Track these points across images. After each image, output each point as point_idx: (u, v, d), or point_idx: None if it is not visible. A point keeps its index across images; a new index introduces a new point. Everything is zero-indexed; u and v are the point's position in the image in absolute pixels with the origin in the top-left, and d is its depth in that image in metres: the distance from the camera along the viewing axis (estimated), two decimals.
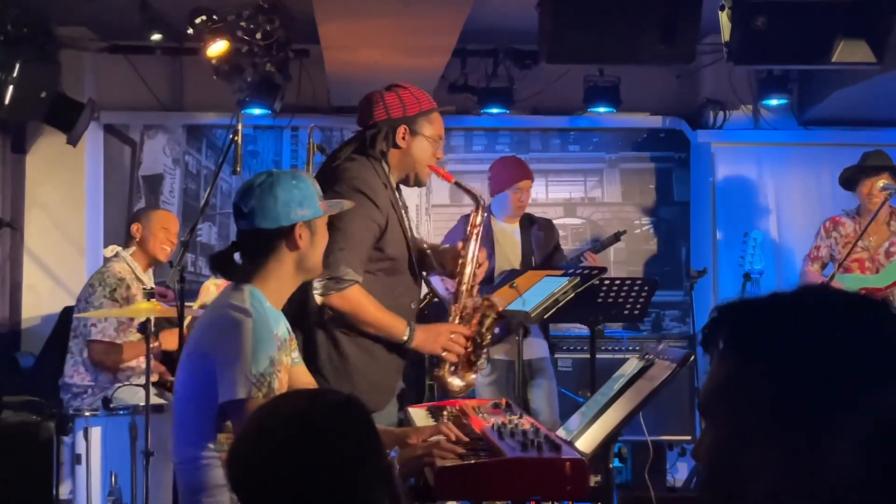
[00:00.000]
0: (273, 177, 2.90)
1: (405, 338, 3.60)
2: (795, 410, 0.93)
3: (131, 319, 4.99)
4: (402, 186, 3.84)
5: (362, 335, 3.60)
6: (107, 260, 5.32)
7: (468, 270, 3.77)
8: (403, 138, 3.67)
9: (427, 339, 3.65)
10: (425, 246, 3.91)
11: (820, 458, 0.89)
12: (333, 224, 3.37)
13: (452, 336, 3.66)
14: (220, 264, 2.93)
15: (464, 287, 3.77)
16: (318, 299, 3.51)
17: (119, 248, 5.28)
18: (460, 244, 3.83)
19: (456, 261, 3.82)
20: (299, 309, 3.46)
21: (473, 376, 3.77)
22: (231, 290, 2.88)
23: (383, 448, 1.86)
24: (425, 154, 3.73)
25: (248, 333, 2.70)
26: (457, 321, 3.73)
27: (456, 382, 3.74)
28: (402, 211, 3.74)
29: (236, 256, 2.95)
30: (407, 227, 3.75)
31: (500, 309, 3.80)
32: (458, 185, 3.93)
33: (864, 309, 0.99)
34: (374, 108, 3.68)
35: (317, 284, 3.49)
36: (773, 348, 0.97)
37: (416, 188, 3.97)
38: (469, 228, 3.83)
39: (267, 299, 2.84)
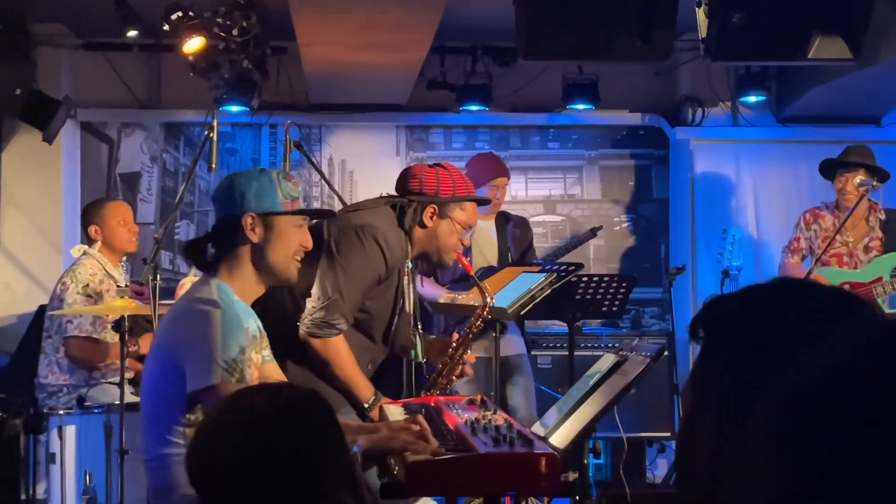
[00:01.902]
0: (247, 171, 2.98)
1: (367, 405, 3.51)
2: (723, 394, 0.95)
3: (106, 316, 4.96)
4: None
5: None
6: (76, 259, 5.29)
7: (450, 370, 3.76)
8: (431, 218, 3.64)
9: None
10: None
11: (737, 441, 0.91)
12: (339, 263, 3.40)
13: (405, 437, 3.51)
14: (192, 252, 2.96)
15: (441, 380, 3.77)
16: (302, 332, 3.49)
17: (86, 247, 5.25)
18: (455, 336, 3.82)
19: (441, 354, 3.81)
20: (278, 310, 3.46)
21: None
22: (198, 285, 2.89)
23: (345, 443, 1.84)
24: (449, 239, 3.68)
25: (216, 322, 2.70)
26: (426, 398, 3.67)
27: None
28: (407, 286, 3.70)
29: (210, 247, 2.97)
30: (403, 302, 3.70)
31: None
32: (474, 279, 3.90)
33: (826, 300, 0.99)
34: (411, 180, 3.67)
35: (306, 320, 3.48)
36: (721, 335, 1.01)
37: None
38: (468, 328, 3.81)
39: (235, 293, 2.83)
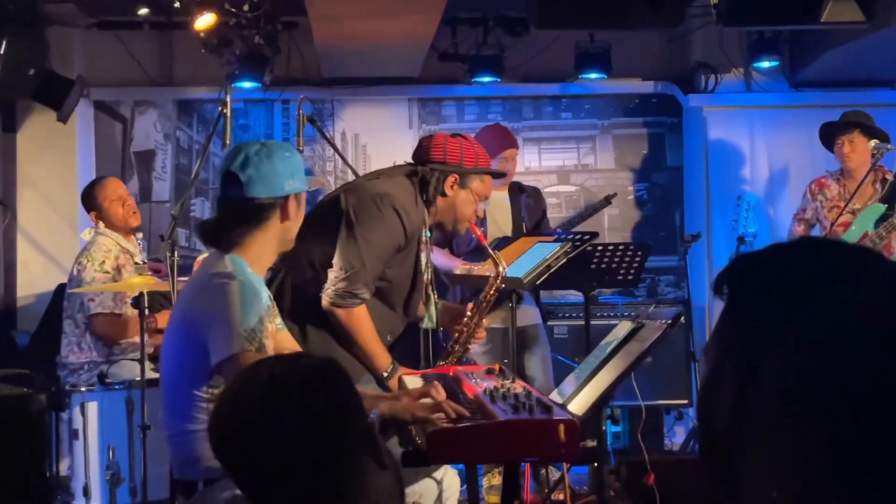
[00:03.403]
0: (268, 147, 2.92)
1: (385, 374, 3.56)
2: (745, 348, 0.96)
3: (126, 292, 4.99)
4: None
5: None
6: (89, 240, 5.31)
7: (466, 339, 3.80)
8: (452, 187, 3.66)
9: (396, 402, 3.46)
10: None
11: (757, 395, 0.92)
12: (359, 233, 3.42)
13: (422, 405, 3.53)
14: (207, 231, 2.95)
15: (458, 347, 3.80)
16: (324, 302, 3.51)
17: (94, 229, 5.28)
18: (470, 306, 3.84)
19: (457, 321, 3.85)
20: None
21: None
22: (212, 260, 2.89)
23: (363, 409, 1.86)
24: (467, 209, 3.72)
25: (234, 294, 2.72)
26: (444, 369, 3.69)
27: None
28: (425, 253, 3.72)
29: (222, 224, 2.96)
30: (422, 268, 3.72)
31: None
32: (487, 249, 3.92)
33: (840, 256, 1.00)
34: (434, 149, 3.68)
35: (328, 291, 3.50)
36: (745, 291, 1.02)
37: None
38: (483, 297, 3.83)
39: (249, 266, 2.85)
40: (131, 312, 5.03)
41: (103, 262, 5.07)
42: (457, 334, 3.83)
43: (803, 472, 0.87)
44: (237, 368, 2.56)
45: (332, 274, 3.50)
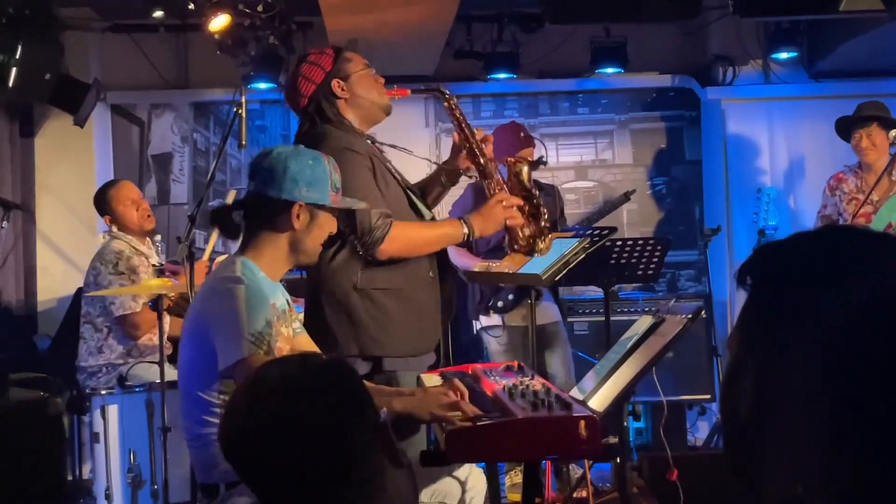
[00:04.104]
0: (296, 150, 2.91)
1: (466, 233, 3.53)
2: (769, 334, 0.95)
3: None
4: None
5: (393, 288, 3.52)
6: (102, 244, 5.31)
7: (476, 147, 3.70)
8: (342, 89, 3.58)
9: (485, 220, 3.56)
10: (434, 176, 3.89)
11: (781, 380, 0.90)
12: (346, 191, 3.35)
13: (504, 204, 3.57)
14: (219, 218, 2.94)
15: (483, 160, 3.70)
16: (370, 254, 3.41)
17: (108, 232, 5.27)
18: (455, 135, 3.78)
19: (460, 152, 3.78)
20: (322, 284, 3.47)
21: (547, 239, 3.67)
22: (224, 265, 2.90)
23: (375, 406, 1.84)
24: (369, 85, 3.64)
25: (240, 298, 2.71)
26: (497, 188, 3.66)
27: (540, 245, 3.67)
28: (389, 164, 3.67)
29: (237, 216, 2.95)
30: (400, 178, 3.66)
31: (526, 164, 3.72)
32: (415, 91, 3.86)
33: (867, 242, 0.98)
34: (300, 87, 3.59)
35: (364, 242, 3.40)
36: (769, 279, 1.00)
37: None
38: (450, 117, 3.77)
39: (261, 270, 2.83)
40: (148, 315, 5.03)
41: (116, 263, 5.06)
42: (469, 152, 3.73)
43: (828, 464, 0.85)
44: (247, 372, 2.56)
45: (356, 233, 3.40)
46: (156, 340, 4.70)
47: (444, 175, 3.88)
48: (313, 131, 3.54)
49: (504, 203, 3.57)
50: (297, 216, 2.86)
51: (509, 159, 3.74)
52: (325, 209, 2.93)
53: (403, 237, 3.46)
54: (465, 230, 3.53)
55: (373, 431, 1.79)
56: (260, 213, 2.90)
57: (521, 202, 3.62)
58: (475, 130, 3.74)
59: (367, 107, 3.65)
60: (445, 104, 3.78)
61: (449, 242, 3.61)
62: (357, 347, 3.45)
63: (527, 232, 3.64)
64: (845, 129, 5.94)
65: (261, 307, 2.72)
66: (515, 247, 3.66)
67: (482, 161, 3.70)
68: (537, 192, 3.72)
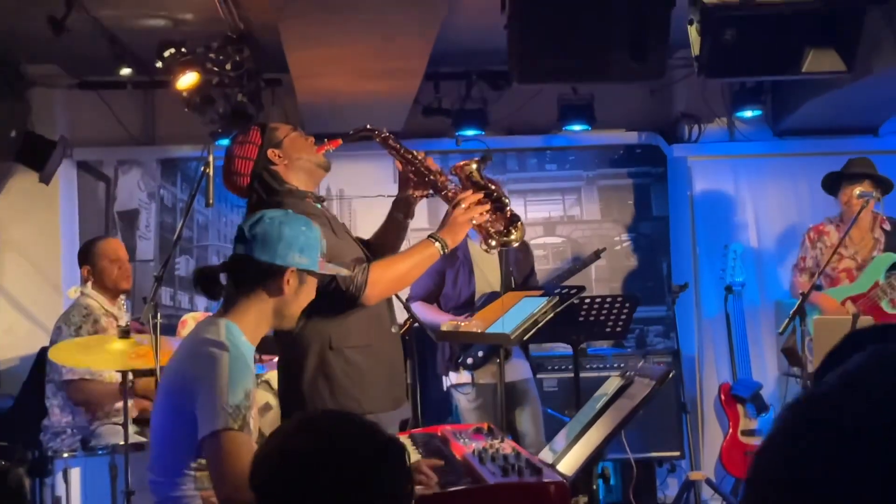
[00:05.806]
0: (288, 216, 2.90)
1: (439, 247, 3.54)
2: None
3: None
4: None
5: (362, 345, 3.54)
6: (72, 301, 5.26)
7: (422, 166, 3.74)
8: (279, 156, 3.63)
9: (452, 229, 3.57)
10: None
11: None
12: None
13: (464, 206, 3.58)
14: (203, 279, 2.90)
15: (432, 176, 3.73)
16: (359, 299, 3.43)
17: (81, 288, 5.23)
18: (398, 164, 3.82)
19: (408, 181, 3.81)
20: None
21: (519, 225, 3.66)
22: (207, 325, 2.84)
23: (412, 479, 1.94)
24: (301, 146, 3.69)
25: (224, 367, 2.67)
26: (453, 195, 3.67)
27: (514, 235, 3.65)
28: (335, 219, 3.73)
29: (222, 278, 2.92)
30: (347, 227, 3.73)
31: (474, 163, 3.72)
32: (345, 140, 3.86)
33: None
34: (238, 168, 3.63)
35: (349, 290, 3.41)
36: None
37: None
38: (386, 149, 3.82)
39: (244, 333, 2.80)
40: (111, 378, 4.96)
41: (80, 327, 5.00)
42: (416, 174, 3.76)
43: None
44: (217, 446, 2.53)
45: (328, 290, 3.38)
46: (119, 404, 4.63)
47: (400, 210, 3.89)
48: (264, 206, 3.56)
49: (463, 205, 3.59)
50: (288, 281, 2.85)
51: (456, 165, 3.76)
52: (313, 274, 2.92)
53: (384, 277, 3.48)
54: (438, 245, 3.55)
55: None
56: (248, 276, 2.87)
57: (479, 197, 3.63)
58: (415, 153, 3.78)
59: (307, 167, 3.70)
60: (378, 140, 3.82)
61: (428, 264, 3.61)
62: (335, 406, 3.44)
63: (498, 226, 3.65)
64: (834, 184, 6.01)
65: (242, 378, 2.68)
66: (492, 243, 3.65)
67: (432, 177, 3.74)
68: (493, 186, 3.74)
